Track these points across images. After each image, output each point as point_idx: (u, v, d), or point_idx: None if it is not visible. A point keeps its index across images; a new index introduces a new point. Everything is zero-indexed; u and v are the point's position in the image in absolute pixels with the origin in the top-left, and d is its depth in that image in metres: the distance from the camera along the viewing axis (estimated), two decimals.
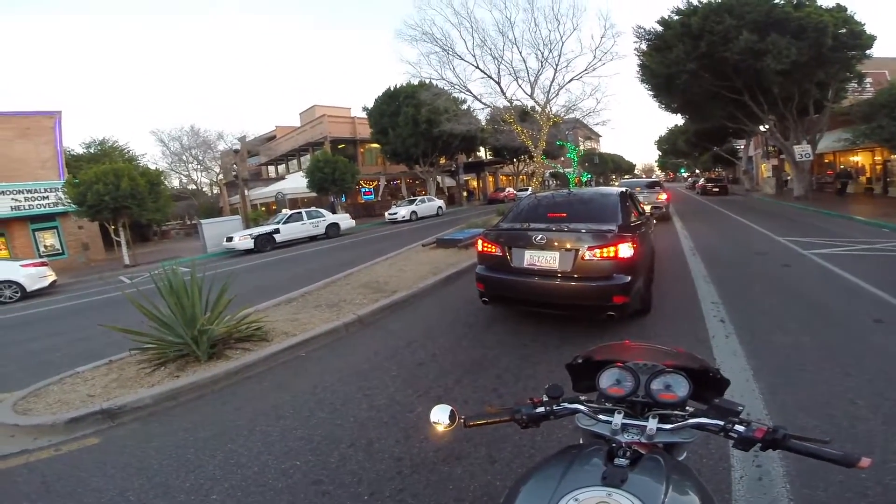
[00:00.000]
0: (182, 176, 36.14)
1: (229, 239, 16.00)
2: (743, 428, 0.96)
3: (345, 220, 19.96)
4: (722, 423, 0.98)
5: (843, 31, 16.48)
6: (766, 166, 30.72)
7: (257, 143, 34.84)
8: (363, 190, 31.89)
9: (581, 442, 1.14)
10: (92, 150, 29.78)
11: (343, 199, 26.76)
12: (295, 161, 38.61)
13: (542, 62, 16.08)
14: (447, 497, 2.23)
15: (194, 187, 36.86)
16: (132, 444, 2.98)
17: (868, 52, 17.47)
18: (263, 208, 28.96)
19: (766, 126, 21.47)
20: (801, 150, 19.04)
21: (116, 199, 14.37)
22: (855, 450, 0.92)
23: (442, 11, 17.47)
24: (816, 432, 2.45)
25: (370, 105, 30.69)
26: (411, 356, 4.19)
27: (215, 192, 36.01)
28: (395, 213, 24.10)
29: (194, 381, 3.71)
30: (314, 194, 24.81)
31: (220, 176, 31.91)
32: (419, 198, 27.03)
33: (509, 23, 15.90)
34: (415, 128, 27.72)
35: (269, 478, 2.48)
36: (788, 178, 23.47)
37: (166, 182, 26.87)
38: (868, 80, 19.98)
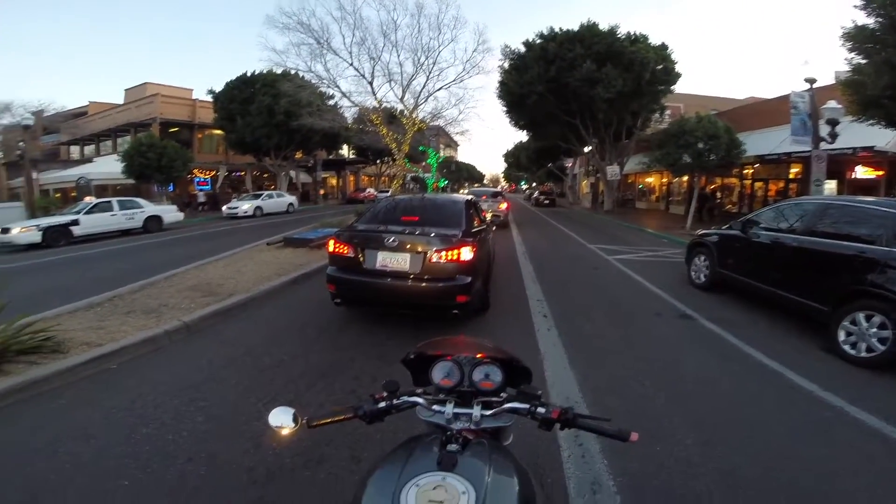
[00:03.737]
0: None
1: (5, 230, 12.36)
2: (543, 410, 1.11)
3: (170, 213, 17.15)
4: (528, 406, 1.13)
5: (661, 67, 20.48)
6: (586, 183, 36.41)
7: (60, 118, 27.86)
8: (197, 180, 28.04)
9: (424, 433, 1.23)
10: None
11: (171, 188, 23.08)
12: (110, 142, 31.99)
13: (417, 67, 16.34)
14: (311, 501, 2.13)
15: None
16: None
17: (673, 87, 22.02)
18: (58, 194, 23.23)
19: (590, 147, 25.58)
20: (612, 171, 23.27)
21: None
22: (646, 425, 1.17)
23: (325, 3, 16.41)
24: (620, 412, 2.99)
25: (219, 88, 27.32)
26: (253, 363, 3.81)
27: None
28: (236, 208, 21.66)
29: None
30: (132, 182, 20.88)
31: (0, 154, 24.52)
32: (266, 192, 24.78)
33: (394, 25, 15.76)
34: (269, 118, 25.60)
35: (90, 501, 2.14)
36: (601, 194, 28.28)
37: None
38: (668, 112, 24.83)
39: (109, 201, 15.37)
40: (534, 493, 0.98)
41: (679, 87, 22.75)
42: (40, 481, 2.27)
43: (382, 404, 1.18)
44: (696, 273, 6.83)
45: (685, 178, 19.18)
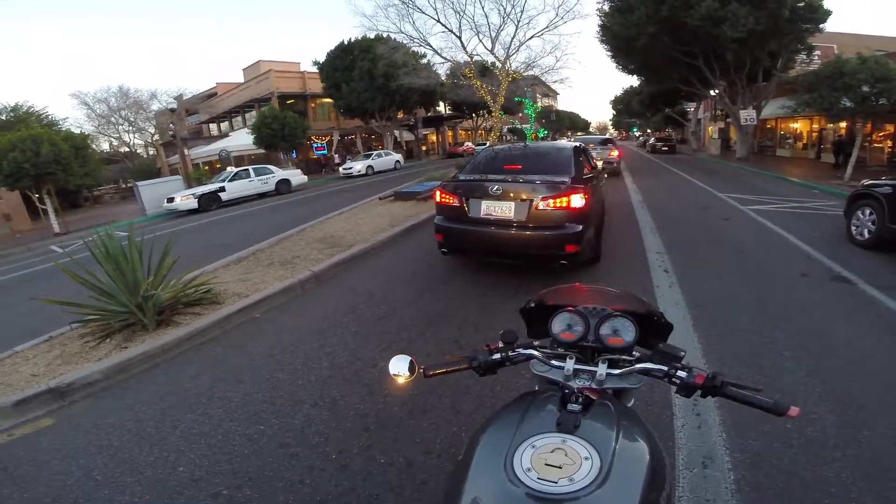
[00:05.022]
0: (112, 139, 33.13)
1: (170, 199, 14.90)
2: (685, 374, 0.98)
3: (296, 176, 19.10)
4: (666, 368, 1.00)
5: (802, 3, 16.84)
6: (713, 128, 32.02)
7: (196, 100, 32.15)
8: (315, 145, 30.59)
9: (536, 389, 1.15)
10: (3, 118, 26.24)
11: (294, 154, 25.59)
12: (239, 118, 36.08)
13: (504, 18, 15.68)
14: (415, 451, 2.25)
15: (127, 149, 33.86)
16: (88, 423, 2.78)
17: (821, 25, 18.10)
18: (206, 167, 27.10)
19: (717, 91, 22.17)
20: (747, 115, 19.97)
21: (37, 165, 13.07)
22: (782, 400, 1.00)
23: None
24: (749, 383, 2.62)
25: (321, 59, 29.03)
26: (371, 311, 4.14)
27: (151, 153, 33.21)
28: (350, 168, 23.47)
29: (144, 350, 3.49)
30: (262, 151, 23.53)
31: (156, 136, 29.33)
32: (375, 152, 26.34)
33: None
34: (371, 82, 26.63)
35: (234, 445, 2.41)
36: (733, 140, 24.69)
37: (94, 146, 24.45)
38: (817, 52, 20.64)
39: (247, 169, 17.45)
40: (664, 464, 0.86)
41: (830, 26, 18.55)
42: (198, 425, 2.60)
43: (497, 356, 1.14)
44: (859, 228, 5.67)
45: (843, 124, 16.09)
